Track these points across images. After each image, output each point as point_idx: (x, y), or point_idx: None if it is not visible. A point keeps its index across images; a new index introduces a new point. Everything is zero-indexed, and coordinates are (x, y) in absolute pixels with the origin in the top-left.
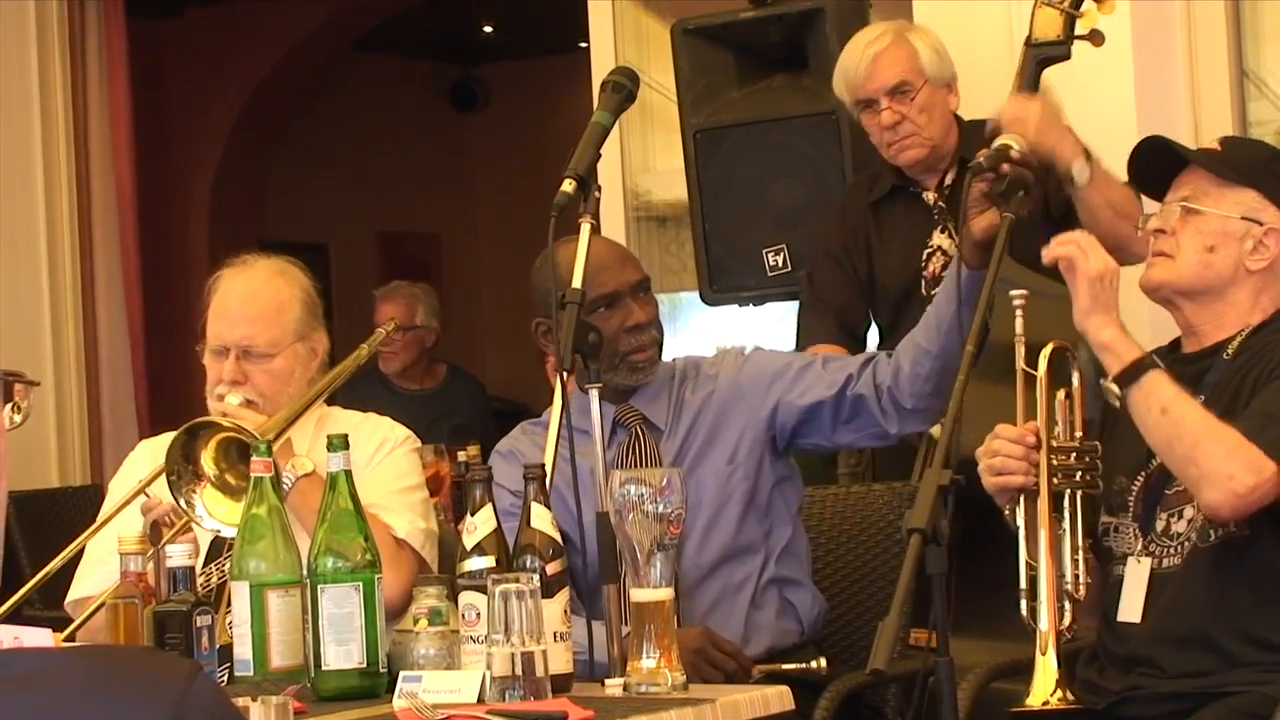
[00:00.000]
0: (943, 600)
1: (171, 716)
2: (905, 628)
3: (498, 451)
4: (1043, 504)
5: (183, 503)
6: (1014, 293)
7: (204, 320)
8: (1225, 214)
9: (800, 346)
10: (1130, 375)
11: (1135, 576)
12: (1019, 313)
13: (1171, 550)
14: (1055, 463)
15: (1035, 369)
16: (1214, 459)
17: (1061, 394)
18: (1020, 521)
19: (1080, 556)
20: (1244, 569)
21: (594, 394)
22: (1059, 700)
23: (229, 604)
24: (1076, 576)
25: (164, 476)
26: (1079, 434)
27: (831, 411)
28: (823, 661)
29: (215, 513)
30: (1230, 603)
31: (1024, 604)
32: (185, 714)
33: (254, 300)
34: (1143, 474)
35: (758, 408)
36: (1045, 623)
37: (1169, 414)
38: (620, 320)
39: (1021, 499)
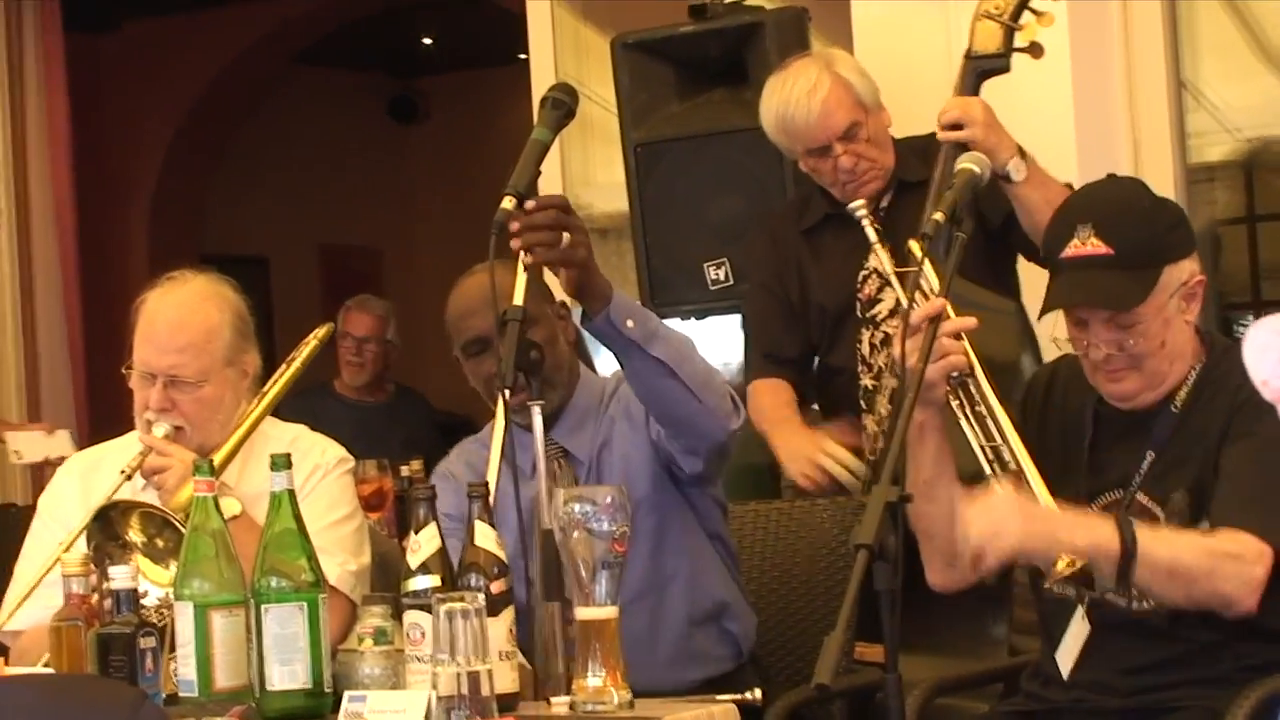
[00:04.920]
0: (892, 617)
1: None
2: (850, 642)
3: (435, 473)
4: (981, 375)
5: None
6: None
7: (131, 341)
8: (1159, 308)
9: (746, 381)
10: (1126, 566)
11: (1076, 635)
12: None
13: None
14: None
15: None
16: (1231, 578)
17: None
18: (968, 407)
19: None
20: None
21: (536, 410)
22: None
23: (174, 647)
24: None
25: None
26: None
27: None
28: (758, 693)
29: (150, 576)
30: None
31: (993, 479)
32: None
33: (182, 329)
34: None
35: (645, 439)
36: (1037, 485)
37: (1176, 574)
38: (489, 369)
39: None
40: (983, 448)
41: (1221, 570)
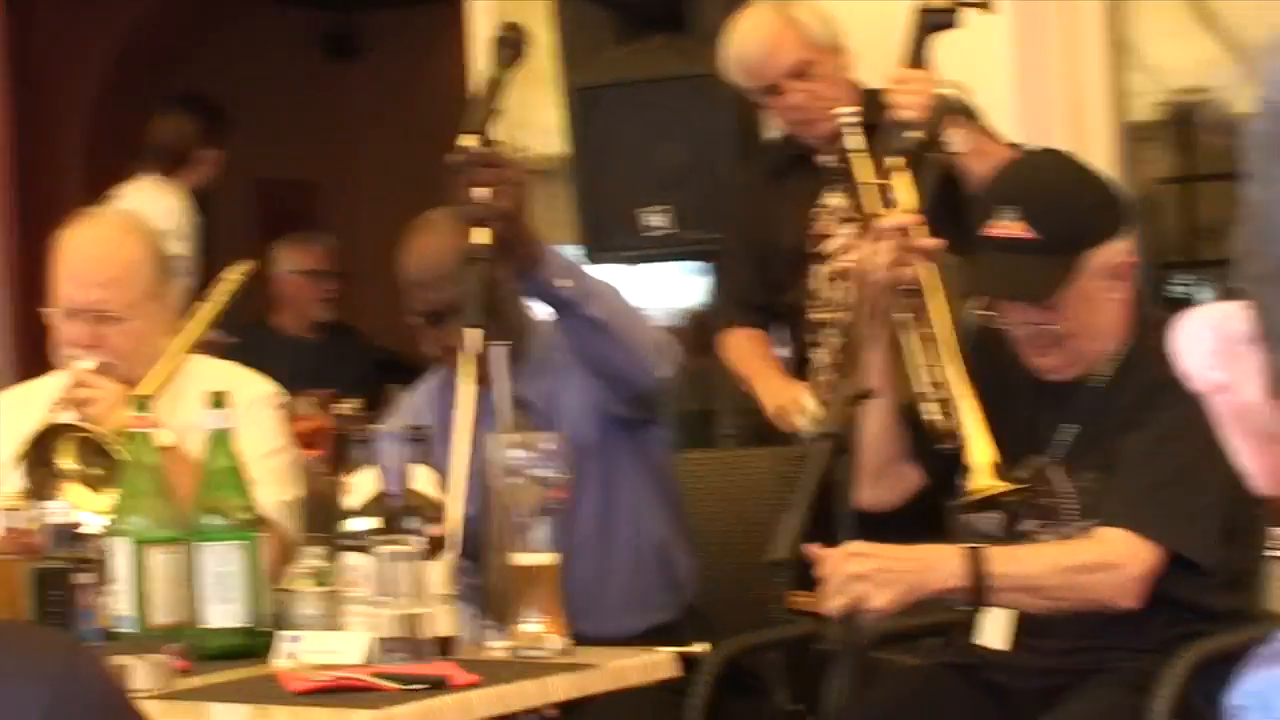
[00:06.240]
0: (850, 511)
1: (54, 692)
2: (784, 588)
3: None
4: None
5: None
6: None
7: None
8: (1080, 291)
9: (717, 328)
10: (980, 595)
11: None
12: None
13: None
14: None
15: None
16: (1099, 586)
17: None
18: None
19: None
20: None
21: (500, 352)
22: (997, 482)
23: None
24: None
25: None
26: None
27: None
28: (706, 646)
29: (86, 506)
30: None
31: (927, 407)
32: (68, 689)
33: (106, 263)
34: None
35: (592, 385)
36: (972, 419)
37: (1037, 592)
38: (445, 339)
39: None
40: (928, 367)
41: (1084, 583)
